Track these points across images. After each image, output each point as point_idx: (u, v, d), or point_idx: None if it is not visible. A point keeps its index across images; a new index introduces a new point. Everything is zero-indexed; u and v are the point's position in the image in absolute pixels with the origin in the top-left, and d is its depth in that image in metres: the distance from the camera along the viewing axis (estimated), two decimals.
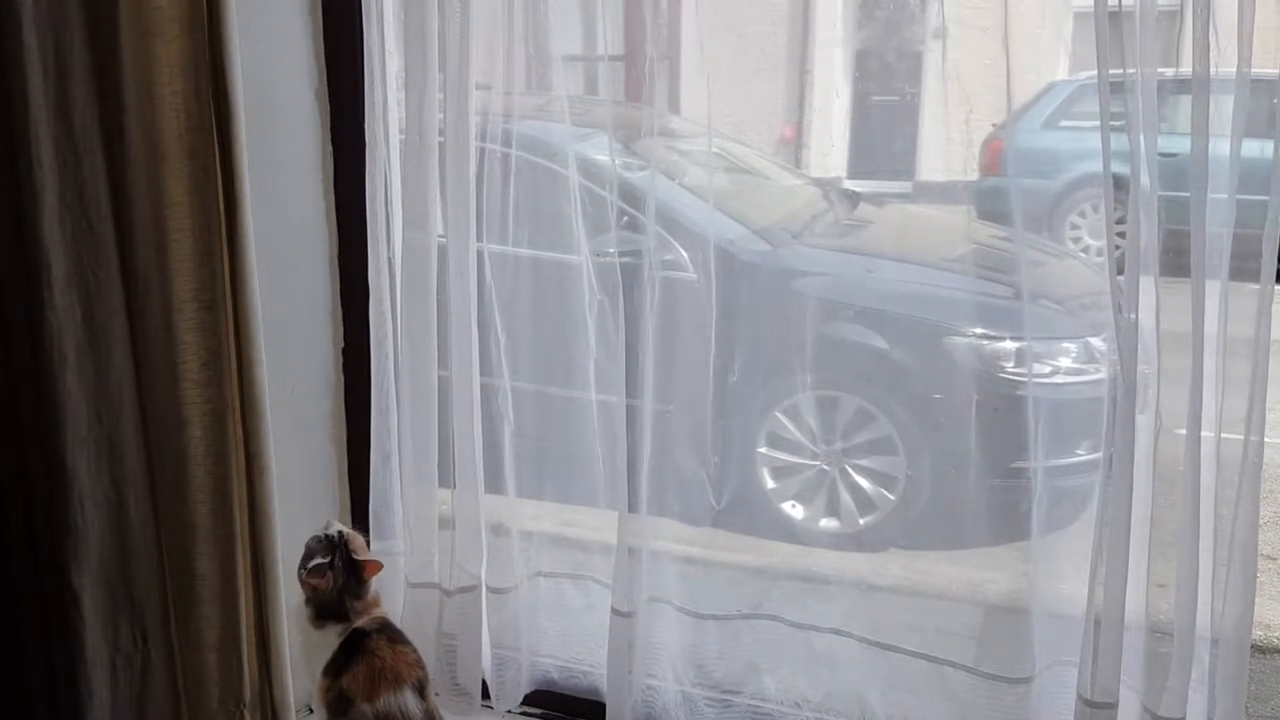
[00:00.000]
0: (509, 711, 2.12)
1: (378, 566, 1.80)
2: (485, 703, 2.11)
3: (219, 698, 1.59)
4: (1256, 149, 1.57)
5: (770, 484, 2.77)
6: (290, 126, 2.02)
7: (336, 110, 2.05)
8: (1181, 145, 1.57)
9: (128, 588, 1.58)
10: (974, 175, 2.29)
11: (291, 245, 2.05)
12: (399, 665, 1.73)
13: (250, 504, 1.57)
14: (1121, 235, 1.63)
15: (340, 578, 1.75)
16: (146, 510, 1.56)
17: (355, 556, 1.78)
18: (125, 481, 1.55)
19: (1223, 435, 1.60)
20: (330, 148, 2.07)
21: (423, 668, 1.78)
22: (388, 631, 1.77)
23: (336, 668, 1.75)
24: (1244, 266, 1.56)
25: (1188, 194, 1.55)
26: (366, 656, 1.73)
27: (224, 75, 1.51)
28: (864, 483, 2.82)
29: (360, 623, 1.78)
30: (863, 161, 3.11)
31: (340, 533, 1.80)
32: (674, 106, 2.29)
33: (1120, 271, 1.63)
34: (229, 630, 1.57)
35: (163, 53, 1.51)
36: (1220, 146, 1.55)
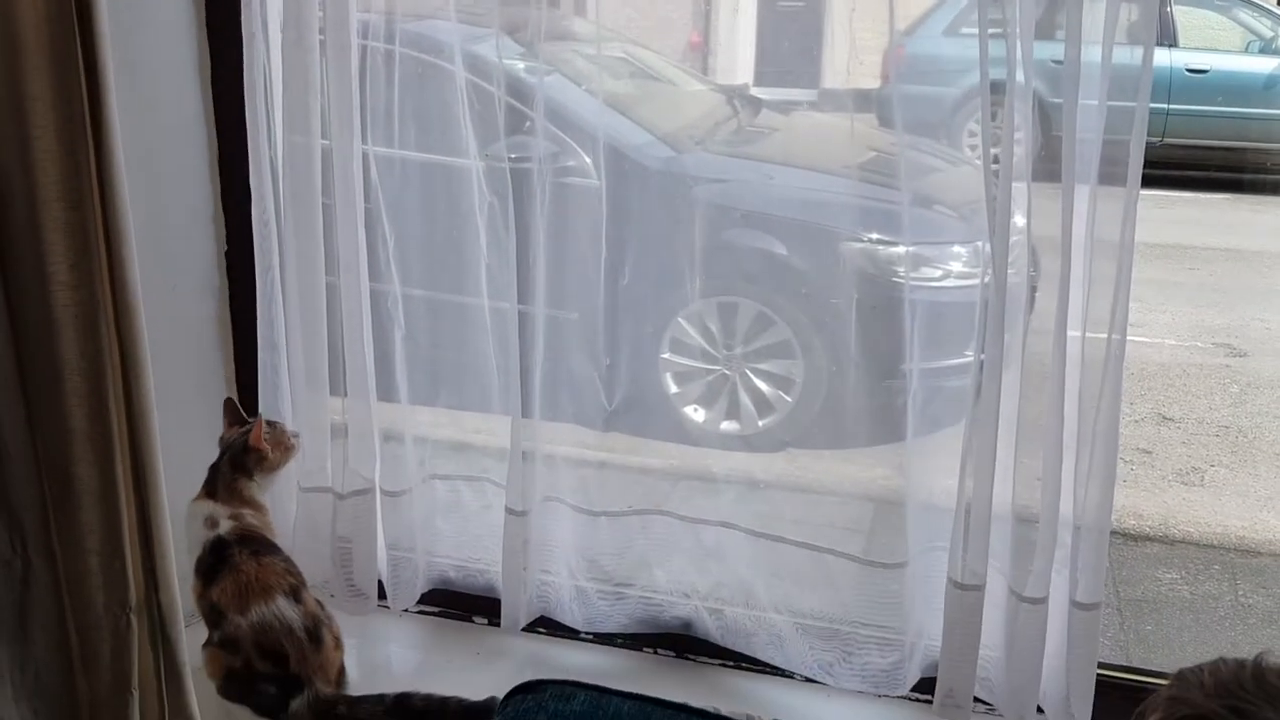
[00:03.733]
0: (405, 611, 2.15)
1: (260, 425, 1.86)
2: (382, 603, 2.14)
3: (104, 602, 1.58)
4: (1127, 55, 1.61)
5: (673, 389, 2.82)
6: (162, 18, 1.95)
7: (212, 4, 1.98)
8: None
9: (4, 494, 1.56)
10: (876, 82, 2.30)
11: (168, 144, 1.99)
12: (265, 576, 1.75)
13: (128, 408, 1.54)
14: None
15: (236, 420, 1.90)
16: (20, 415, 1.53)
17: (252, 436, 1.85)
18: None
19: (1088, 335, 1.67)
20: (206, 44, 2.00)
21: (294, 574, 1.80)
22: (251, 544, 1.79)
23: (206, 572, 1.78)
24: (1112, 171, 1.61)
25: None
26: (231, 571, 1.75)
27: None
28: (763, 386, 2.88)
29: (224, 529, 1.80)
30: (769, 68, 3.11)
31: (280, 425, 1.94)
32: (580, 10, 2.26)
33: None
34: (111, 535, 1.55)
35: None
36: (1093, 53, 1.59)
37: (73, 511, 1.55)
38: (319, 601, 1.82)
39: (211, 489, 1.86)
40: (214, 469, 1.88)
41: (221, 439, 1.91)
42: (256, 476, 1.88)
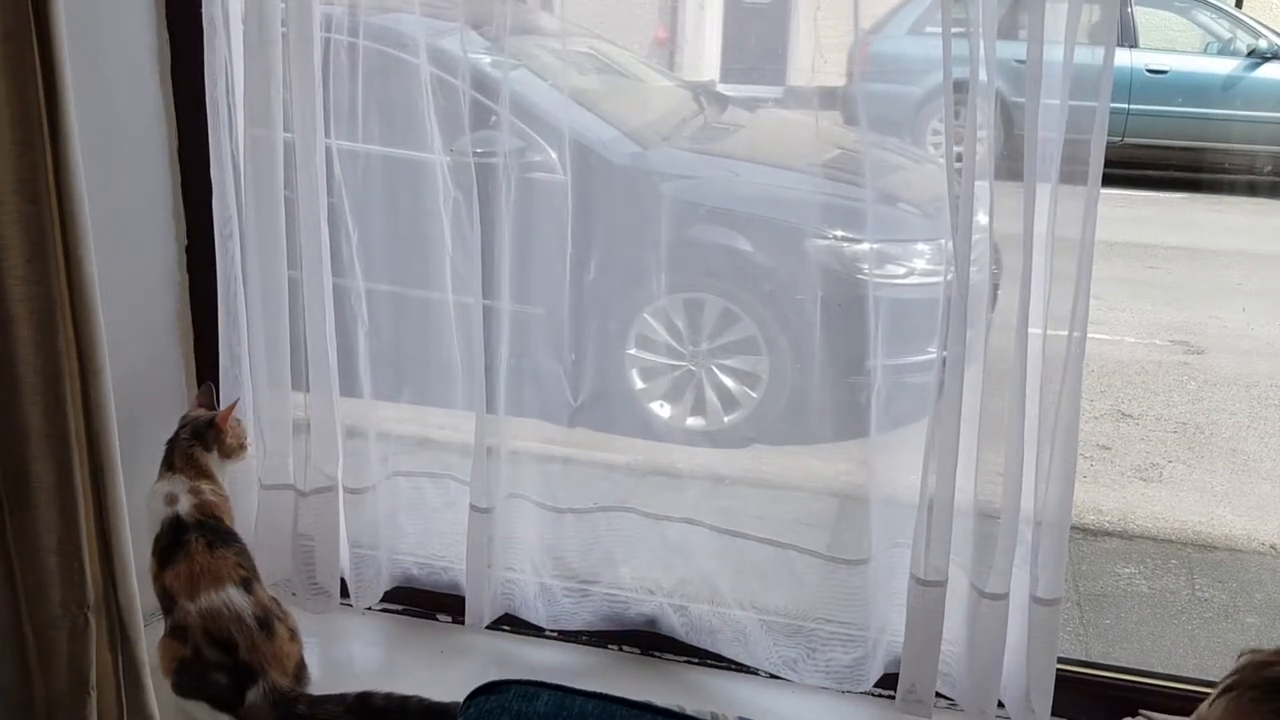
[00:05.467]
0: (369, 609, 2.14)
1: (233, 408, 1.89)
2: (345, 601, 2.12)
3: (60, 601, 1.56)
4: (1088, 55, 1.62)
5: (639, 384, 2.82)
6: (121, 9, 1.92)
7: None
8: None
9: None
10: (841, 80, 2.31)
11: (128, 137, 1.96)
12: (218, 567, 1.75)
13: (86, 405, 1.52)
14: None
15: (208, 406, 1.93)
16: None
17: (219, 416, 1.88)
18: None
19: (1049, 332, 1.69)
20: (166, 35, 1.97)
21: (246, 567, 1.80)
22: (206, 533, 1.79)
23: (162, 553, 1.78)
24: (1073, 170, 1.62)
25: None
26: (186, 557, 1.76)
27: None
28: (729, 382, 2.88)
29: (182, 507, 1.79)
30: (735, 65, 3.11)
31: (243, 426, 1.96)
32: (546, 5, 2.26)
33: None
34: (68, 534, 1.53)
35: None
36: (1055, 53, 1.60)
37: (29, 510, 1.53)
38: (273, 597, 1.82)
39: (169, 462, 1.86)
40: (171, 443, 1.87)
41: (184, 416, 1.91)
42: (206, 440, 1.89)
